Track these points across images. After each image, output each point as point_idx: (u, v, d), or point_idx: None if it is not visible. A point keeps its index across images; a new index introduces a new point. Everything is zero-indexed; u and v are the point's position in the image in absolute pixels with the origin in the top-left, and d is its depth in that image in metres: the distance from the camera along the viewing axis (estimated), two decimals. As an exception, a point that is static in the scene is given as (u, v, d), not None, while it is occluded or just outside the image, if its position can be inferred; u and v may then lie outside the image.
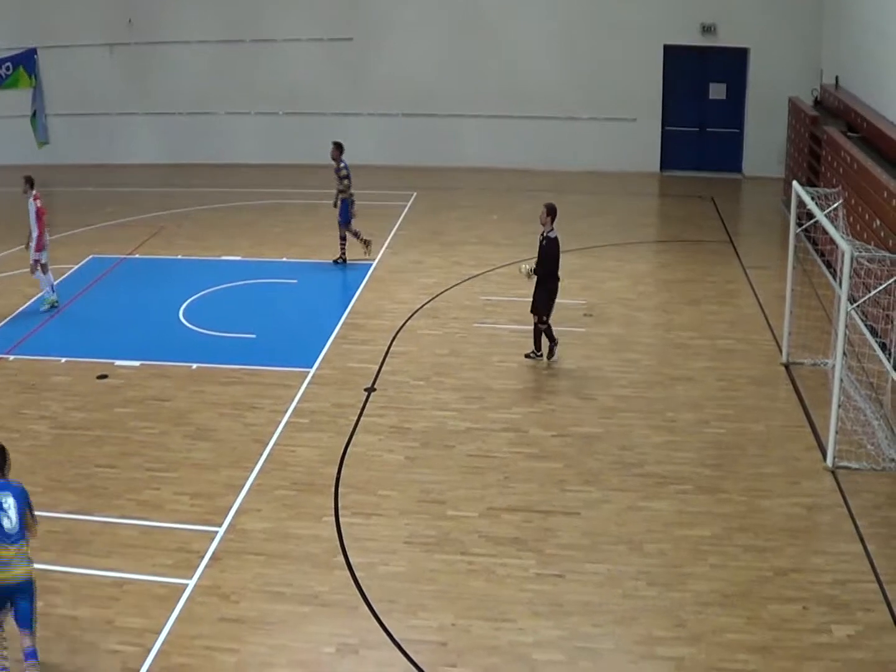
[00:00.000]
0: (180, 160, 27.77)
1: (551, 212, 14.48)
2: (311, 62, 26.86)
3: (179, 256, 20.27)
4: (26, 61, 28.00)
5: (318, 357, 15.34)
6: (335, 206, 19.40)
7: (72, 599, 10.01)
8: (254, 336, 16.14)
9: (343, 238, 19.41)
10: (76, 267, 19.79)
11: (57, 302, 17.65)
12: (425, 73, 26.37)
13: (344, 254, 19.47)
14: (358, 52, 26.68)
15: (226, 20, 27.14)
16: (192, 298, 17.83)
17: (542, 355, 14.96)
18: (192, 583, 10.20)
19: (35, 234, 17.11)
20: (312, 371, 14.90)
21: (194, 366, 15.21)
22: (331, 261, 19.46)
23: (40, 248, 17.23)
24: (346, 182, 19.19)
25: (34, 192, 17.18)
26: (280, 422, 13.42)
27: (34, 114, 28.06)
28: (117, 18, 27.56)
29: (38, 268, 17.38)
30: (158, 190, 25.79)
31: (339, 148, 19.28)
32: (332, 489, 11.85)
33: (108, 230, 22.21)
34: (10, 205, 24.04)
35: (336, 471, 12.23)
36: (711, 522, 11.03)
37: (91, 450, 12.94)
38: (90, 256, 20.36)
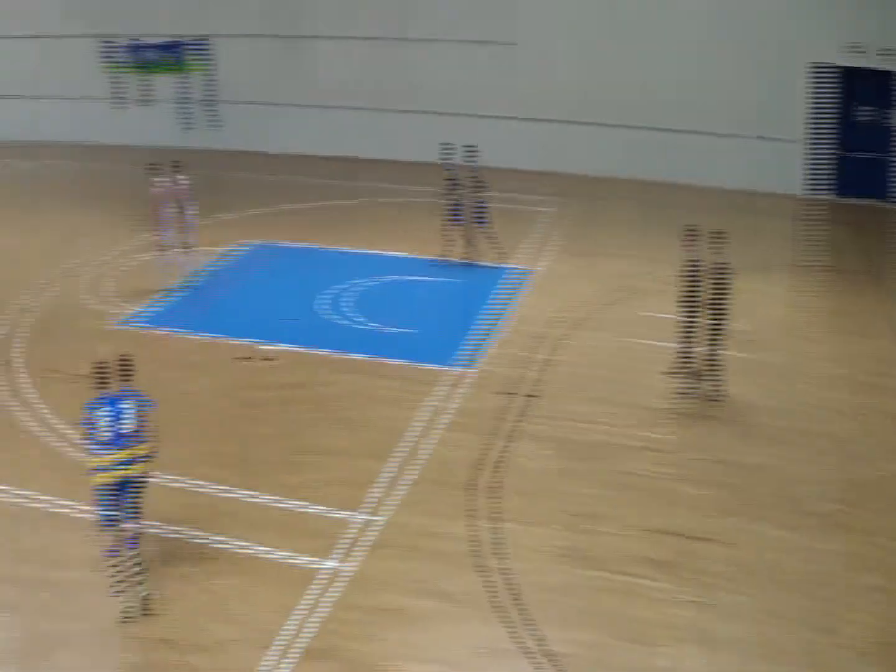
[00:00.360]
0: (346, 153, 27.91)
1: (692, 233, 13.97)
2: (469, 64, 26.77)
3: (338, 248, 20.32)
4: (197, 48, 28.87)
5: (473, 359, 15.13)
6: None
7: (214, 571, 10.14)
8: (410, 331, 16.08)
9: (481, 240, 19.27)
10: (234, 250, 20.11)
11: (192, 283, 18.09)
12: (576, 81, 25.92)
13: (476, 254, 19.30)
14: (517, 56, 26.47)
15: (376, 18, 27.38)
16: (349, 288, 17.89)
17: (702, 378, 14.42)
18: (331, 568, 10.19)
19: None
20: (466, 372, 14.72)
21: (346, 355, 15.22)
22: (488, 262, 19.17)
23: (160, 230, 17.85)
24: (447, 184, 19.22)
25: (159, 178, 17.67)
26: (429, 419, 13.31)
27: (203, 99, 28.86)
28: (285, 11, 28.13)
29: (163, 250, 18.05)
30: (321, 181, 25.93)
31: (451, 150, 19.19)
32: (479, 492, 11.65)
33: (268, 217, 22.51)
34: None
35: (484, 474, 12.03)
36: (877, 568, 10.45)
37: (243, 428, 13.11)
38: (248, 242, 20.65)
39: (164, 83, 29.18)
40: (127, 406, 9.55)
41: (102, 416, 9.45)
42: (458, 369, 14.75)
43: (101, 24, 29.33)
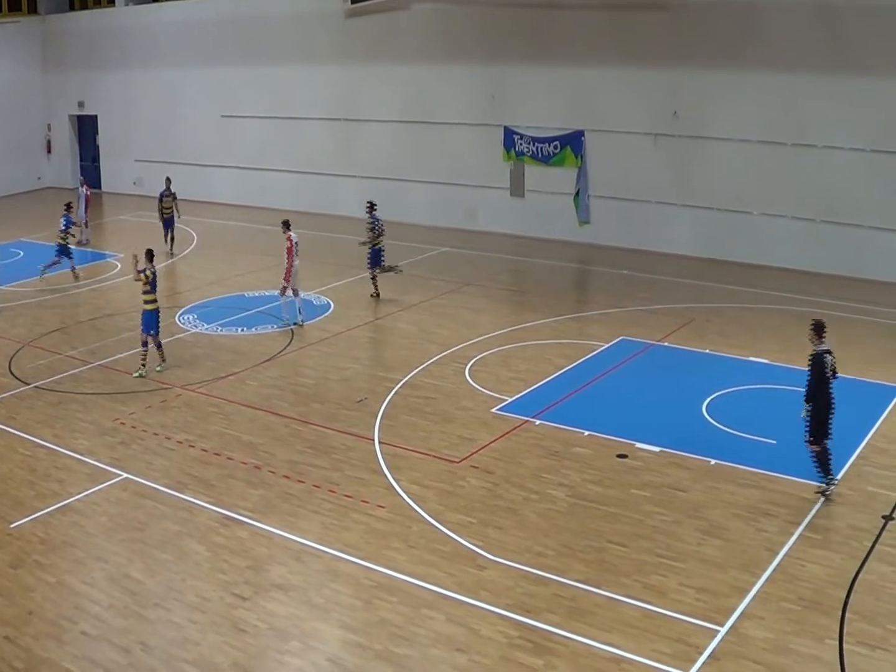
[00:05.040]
0: (714, 255, 28.17)
1: (816, 329, 14.11)
2: (851, 171, 25.99)
3: (707, 350, 20.52)
4: (573, 142, 30.12)
5: (837, 474, 14.83)
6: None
7: (569, 665, 10.58)
8: (774, 442, 15.95)
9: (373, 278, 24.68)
10: (606, 346, 20.80)
11: (301, 324, 22.58)
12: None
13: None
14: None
15: (767, 121, 27.06)
16: (717, 394, 17.98)
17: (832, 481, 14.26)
18: (688, 678, 10.34)
19: (286, 266, 22.26)
20: (831, 488, 14.51)
21: (713, 461, 15.35)
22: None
23: (287, 278, 22.22)
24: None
25: (288, 233, 22.29)
26: (793, 533, 13.20)
27: (577, 193, 30.04)
28: (663, 110, 28.76)
29: (285, 293, 22.40)
30: (691, 282, 26.19)
31: None
32: (839, 613, 11.45)
33: (640, 315, 23.08)
34: (557, 276, 25.90)
35: (845, 594, 11.81)
36: None
37: (604, 525, 13.53)
38: (620, 337, 21.29)
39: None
40: None
41: None
42: (822, 483, 14.49)
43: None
